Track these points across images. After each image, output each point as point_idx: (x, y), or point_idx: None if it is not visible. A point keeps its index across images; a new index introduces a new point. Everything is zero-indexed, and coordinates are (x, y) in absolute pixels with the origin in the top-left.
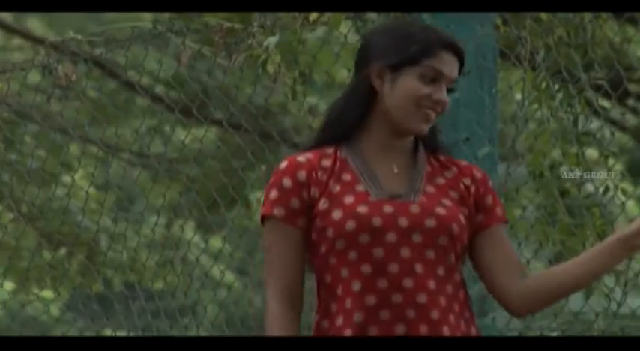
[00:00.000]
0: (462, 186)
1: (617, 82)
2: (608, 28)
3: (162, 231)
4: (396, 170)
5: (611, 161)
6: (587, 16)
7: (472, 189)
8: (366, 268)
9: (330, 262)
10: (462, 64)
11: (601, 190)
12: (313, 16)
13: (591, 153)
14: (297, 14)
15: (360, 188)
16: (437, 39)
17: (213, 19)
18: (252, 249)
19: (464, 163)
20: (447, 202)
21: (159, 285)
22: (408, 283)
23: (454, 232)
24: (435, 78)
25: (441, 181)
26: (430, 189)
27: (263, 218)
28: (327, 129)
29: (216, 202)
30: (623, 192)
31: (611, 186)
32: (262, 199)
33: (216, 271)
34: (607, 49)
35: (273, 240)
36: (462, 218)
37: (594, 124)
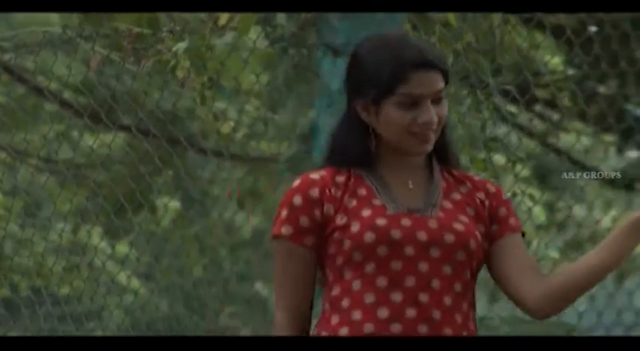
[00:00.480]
0: (477, 201)
1: (524, 88)
2: (516, 33)
3: (69, 236)
4: (411, 186)
5: (518, 167)
6: (497, 20)
7: (486, 203)
8: (382, 282)
9: (345, 276)
10: (445, 72)
11: (508, 195)
12: (222, 21)
13: (499, 159)
14: (205, 18)
15: (377, 202)
16: (406, 61)
17: (122, 24)
18: (159, 254)
19: (477, 177)
20: (463, 218)
21: (65, 290)
22: (423, 298)
23: (471, 247)
24: (414, 102)
25: (457, 196)
26: (447, 204)
27: (273, 238)
28: (332, 158)
29: (124, 207)
30: (531, 198)
31: (519, 191)
32: (169, 204)
33: (122, 277)
34: (515, 54)
35: (281, 259)
36: (478, 235)
37: (502, 129)
